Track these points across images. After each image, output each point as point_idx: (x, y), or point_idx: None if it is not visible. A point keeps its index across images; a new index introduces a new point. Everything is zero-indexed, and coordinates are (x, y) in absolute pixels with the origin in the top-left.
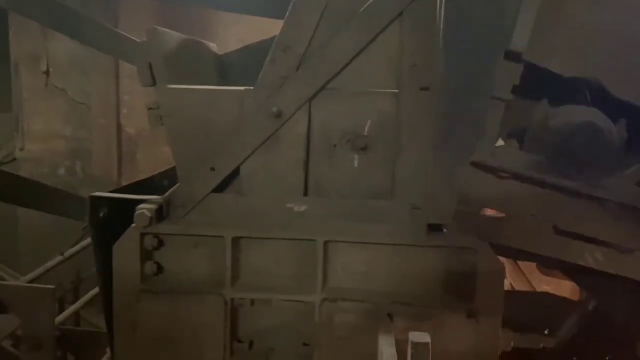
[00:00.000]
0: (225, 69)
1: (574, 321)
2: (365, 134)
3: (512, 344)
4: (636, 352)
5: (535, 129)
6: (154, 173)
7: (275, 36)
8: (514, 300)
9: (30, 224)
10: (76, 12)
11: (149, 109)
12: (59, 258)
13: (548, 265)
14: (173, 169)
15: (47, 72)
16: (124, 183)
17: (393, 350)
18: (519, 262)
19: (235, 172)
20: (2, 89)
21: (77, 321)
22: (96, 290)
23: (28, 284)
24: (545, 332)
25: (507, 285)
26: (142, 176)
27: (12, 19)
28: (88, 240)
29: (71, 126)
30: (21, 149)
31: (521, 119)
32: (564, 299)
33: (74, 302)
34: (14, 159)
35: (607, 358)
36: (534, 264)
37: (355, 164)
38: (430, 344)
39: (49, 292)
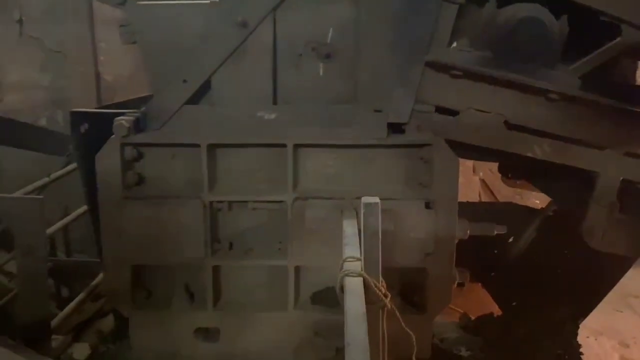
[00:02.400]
0: None
1: (535, 226)
2: (328, 41)
3: (468, 232)
4: (582, 234)
5: (483, 27)
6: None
7: None
8: (481, 209)
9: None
10: None
11: (121, 26)
12: (45, 179)
13: (509, 170)
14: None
15: (20, 21)
16: None
17: (355, 230)
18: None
19: (207, 84)
20: None
21: None
22: (84, 208)
23: (17, 195)
24: (510, 239)
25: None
26: None
27: None
28: (73, 165)
29: (49, 75)
30: (0, 101)
31: (471, 20)
32: (527, 207)
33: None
34: None
35: (562, 254)
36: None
37: (321, 72)
38: (379, 204)
39: (37, 201)
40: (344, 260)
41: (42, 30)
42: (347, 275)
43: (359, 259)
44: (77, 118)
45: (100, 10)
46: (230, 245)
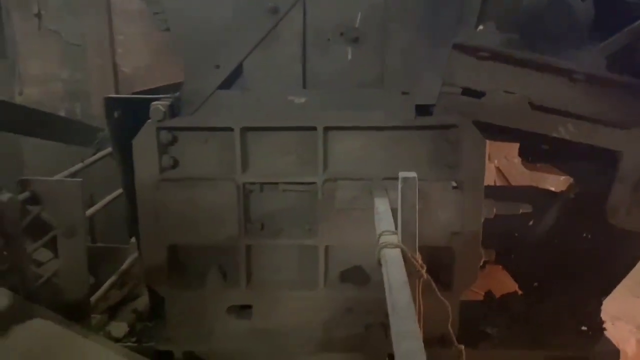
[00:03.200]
0: None
1: (557, 208)
2: (356, 26)
3: (494, 210)
4: (606, 212)
5: (509, 10)
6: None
7: None
8: (502, 193)
9: (35, 164)
10: None
11: (155, 13)
12: (79, 165)
13: (530, 153)
14: (177, 84)
15: (38, 15)
16: None
17: (388, 207)
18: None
19: (239, 69)
20: None
21: None
22: (117, 192)
23: (58, 178)
24: (531, 222)
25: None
26: None
27: None
28: (104, 152)
29: (68, 68)
30: (20, 94)
31: (498, 4)
32: (548, 190)
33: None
34: None
35: (584, 235)
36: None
37: (349, 56)
38: (417, 179)
39: (77, 184)
40: (381, 234)
41: (60, 24)
42: (385, 247)
43: (394, 233)
44: (111, 104)
45: (117, 2)
46: (262, 226)
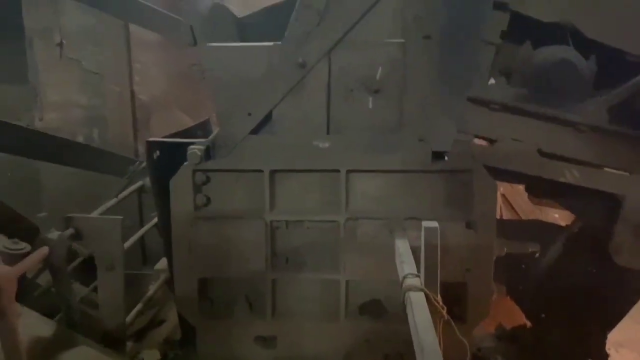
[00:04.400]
0: (243, 29)
1: (561, 242)
2: (377, 78)
3: (505, 249)
4: (610, 251)
5: (520, 67)
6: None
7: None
8: (507, 227)
9: (52, 186)
10: None
11: (193, 65)
12: (114, 200)
13: (536, 190)
14: (202, 122)
15: (60, 44)
16: (140, 148)
17: (408, 248)
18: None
19: (268, 116)
20: (19, 62)
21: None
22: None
23: (100, 216)
24: (536, 255)
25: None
26: None
27: None
28: (137, 184)
29: (86, 95)
30: (40, 119)
31: (508, 60)
32: (553, 224)
33: None
34: None
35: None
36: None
37: (370, 105)
38: (438, 229)
39: (117, 222)
40: (405, 277)
41: (80, 52)
42: (410, 290)
43: (417, 275)
44: (151, 146)
45: (136, 33)
46: (287, 260)
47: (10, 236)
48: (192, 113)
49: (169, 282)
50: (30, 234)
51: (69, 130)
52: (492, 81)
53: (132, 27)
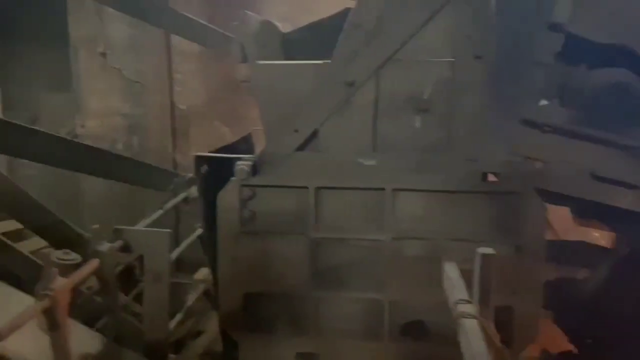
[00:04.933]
0: (288, 45)
1: (609, 266)
2: (426, 97)
3: (554, 274)
4: None
5: (574, 89)
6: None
7: (328, 16)
8: (553, 248)
9: (92, 197)
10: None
11: (242, 82)
12: (159, 212)
13: (584, 213)
14: (245, 137)
15: (103, 54)
16: (178, 157)
17: (458, 272)
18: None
19: (315, 133)
20: (63, 70)
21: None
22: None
23: (148, 229)
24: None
25: None
26: (195, 150)
27: (70, 3)
28: (181, 196)
29: (127, 104)
30: (82, 126)
31: (562, 81)
32: (598, 246)
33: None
34: (76, 136)
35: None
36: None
37: (417, 123)
38: (495, 256)
39: (165, 234)
40: (457, 302)
41: (123, 62)
42: (463, 317)
43: (469, 301)
44: (199, 160)
45: (177, 43)
46: (330, 278)
47: (57, 246)
48: (231, 124)
49: (207, 293)
50: (75, 242)
51: (109, 138)
52: (544, 102)
53: (173, 38)
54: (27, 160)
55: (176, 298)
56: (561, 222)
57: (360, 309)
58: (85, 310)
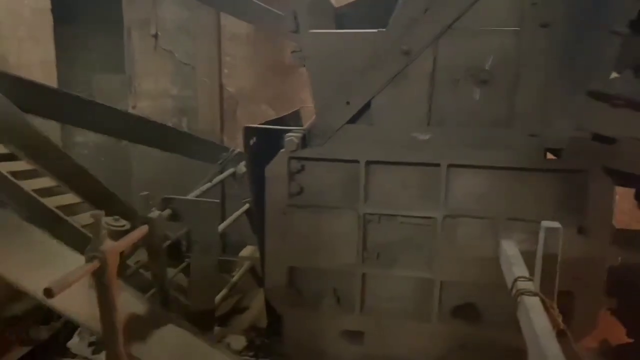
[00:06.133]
0: (340, 19)
1: None
2: (487, 68)
3: (619, 259)
4: None
5: None
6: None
7: None
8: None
9: (142, 172)
10: None
11: (293, 52)
12: (208, 184)
13: None
14: (294, 113)
15: (155, 36)
16: (226, 138)
17: (517, 251)
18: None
19: (367, 106)
20: (117, 53)
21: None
22: (242, 210)
23: (198, 198)
24: None
25: None
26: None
27: None
28: (229, 170)
29: (177, 86)
30: (133, 107)
31: (637, 51)
32: None
33: None
34: None
35: None
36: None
37: (477, 96)
38: (562, 230)
39: (214, 205)
40: (516, 279)
41: (174, 44)
42: (523, 293)
43: (530, 279)
44: (248, 132)
45: (227, 26)
46: (378, 255)
47: (107, 214)
48: (278, 107)
49: (253, 270)
50: (126, 214)
51: (160, 119)
52: (614, 75)
53: (224, 21)
54: (80, 140)
55: (223, 276)
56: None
57: (409, 289)
58: (134, 284)
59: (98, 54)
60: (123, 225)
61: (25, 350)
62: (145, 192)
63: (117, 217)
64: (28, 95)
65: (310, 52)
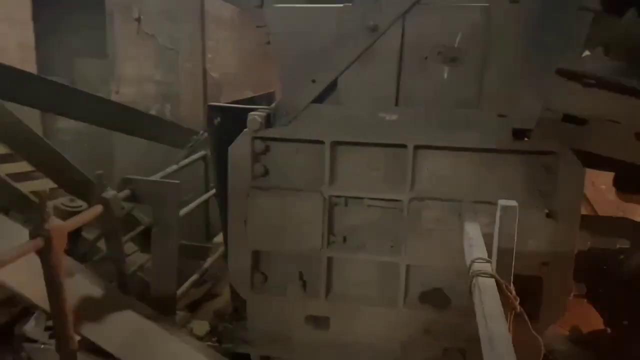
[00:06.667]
0: None
1: None
2: (455, 45)
3: (588, 243)
4: None
5: (621, 38)
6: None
7: None
8: (591, 222)
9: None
10: None
11: (258, 26)
12: (174, 166)
13: (628, 183)
14: (267, 94)
15: (138, 19)
16: None
17: (479, 233)
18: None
19: (334, 84)
20: (99, 37)
21: None
22: (207, 195)
23: (157, 179)
24: (621, 256)
25: None
26: None
27: None
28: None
29: (161, 71)
30: (116, 92)
31: (608, 30)
32: None
33: None
34: None
35: None
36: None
37: (445, 75)
38: (517, 208)
39: (175, 186)
40: (473, 261)
41: (157, 28)
42: (479, 275)
43: (488, 261)
44: (212, 111)
45: (211, 10)
46: (344, 239)
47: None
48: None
49: (226, 256)
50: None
51: (143, 105)
52: (586, 53)
53: (208, 5)
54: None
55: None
56: (605, 203)
57: (375, 273)
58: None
59: (80, 37)
60: (80, 206)
61: None
62: (100, 172)
63: (73, 197)
64: (5, 81)
65: (274, 28)
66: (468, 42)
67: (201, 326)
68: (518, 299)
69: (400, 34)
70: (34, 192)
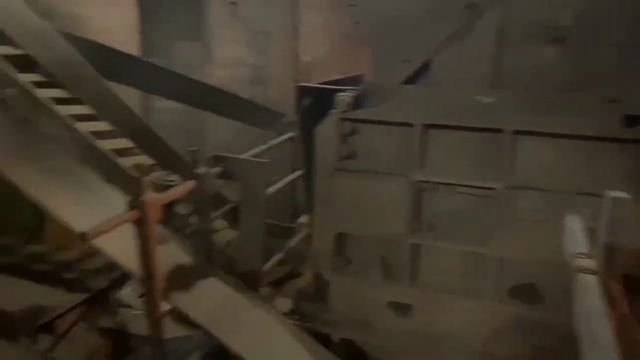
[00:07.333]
0: None
1: None
2: (561, 24)
3: None
4: None
5: None
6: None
7: None
8: None
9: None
10: None
11: (350, 5)
12: (263, 146)
13: None
14: (356, 76)
15: (234, 3)
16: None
17: (581, 225)
18: None
19: (427, 64)
20: (197, 21)
21: None
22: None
23: (248, 158)
24: None
25: None
26: None
27: None
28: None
29: (253, 54)
30: (211, 76)
31: None
32: None
33: None
34: None
35: None
36: None
37: (549, 56)
38: (630, 200)
39: (264, 164)
40: (575, 256)
41: (251, 12)
42: (581, 271)
43: (591, 257)
44: (302, 92)
45: None
46: (431, 226)
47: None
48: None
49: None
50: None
51: (236, 88)
52: None
53: None
54: (160, 106)
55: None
56: None
57: (463, 264)
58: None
59: (178, 21)
60: (173, 181)
61: (83, 296)
62: (194, 148)
63: (169, 172)
64: (109, 62)
65: (366, 6)
66: (576, 21)
67: (284, 303)
68: (625, 300)
69: (502, 10)
70: (135, 166)
